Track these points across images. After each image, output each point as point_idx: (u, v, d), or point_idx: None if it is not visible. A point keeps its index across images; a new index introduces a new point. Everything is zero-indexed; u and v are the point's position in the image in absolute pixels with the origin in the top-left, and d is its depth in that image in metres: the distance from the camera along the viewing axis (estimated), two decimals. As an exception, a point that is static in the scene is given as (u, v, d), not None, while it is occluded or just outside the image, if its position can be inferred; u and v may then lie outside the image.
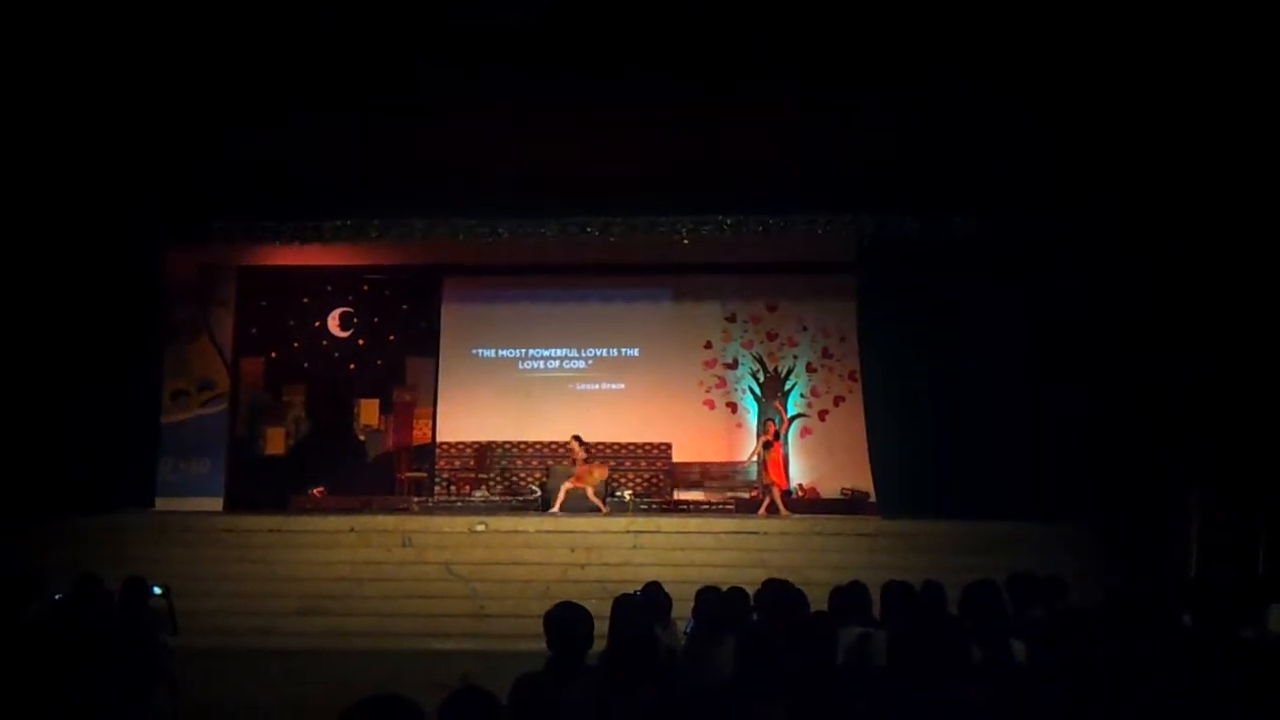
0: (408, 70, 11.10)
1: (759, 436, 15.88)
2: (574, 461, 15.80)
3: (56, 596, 7.37)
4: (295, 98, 11.80)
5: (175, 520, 13.89)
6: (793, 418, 17.39)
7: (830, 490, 16.63)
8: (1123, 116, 11.76)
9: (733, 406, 17.56)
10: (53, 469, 13.76)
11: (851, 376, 16.40)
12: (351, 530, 13.31)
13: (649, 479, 17.18)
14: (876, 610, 6.00)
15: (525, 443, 17.50)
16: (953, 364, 13.66)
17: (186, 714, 7.52)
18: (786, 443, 17.08)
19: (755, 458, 15.96)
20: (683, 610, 6.04)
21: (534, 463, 17.37)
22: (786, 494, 15.34)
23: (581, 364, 17.96)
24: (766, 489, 15.10)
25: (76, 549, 12.02)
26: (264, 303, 17.77)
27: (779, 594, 5.31)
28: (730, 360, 17.63)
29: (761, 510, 14.92)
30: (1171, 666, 4.04)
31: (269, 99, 11.77)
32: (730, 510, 15.96)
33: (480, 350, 17.93)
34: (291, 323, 17.86)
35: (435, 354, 17.88)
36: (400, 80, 11.33)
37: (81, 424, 14.05)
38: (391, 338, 17.96)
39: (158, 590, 7.64)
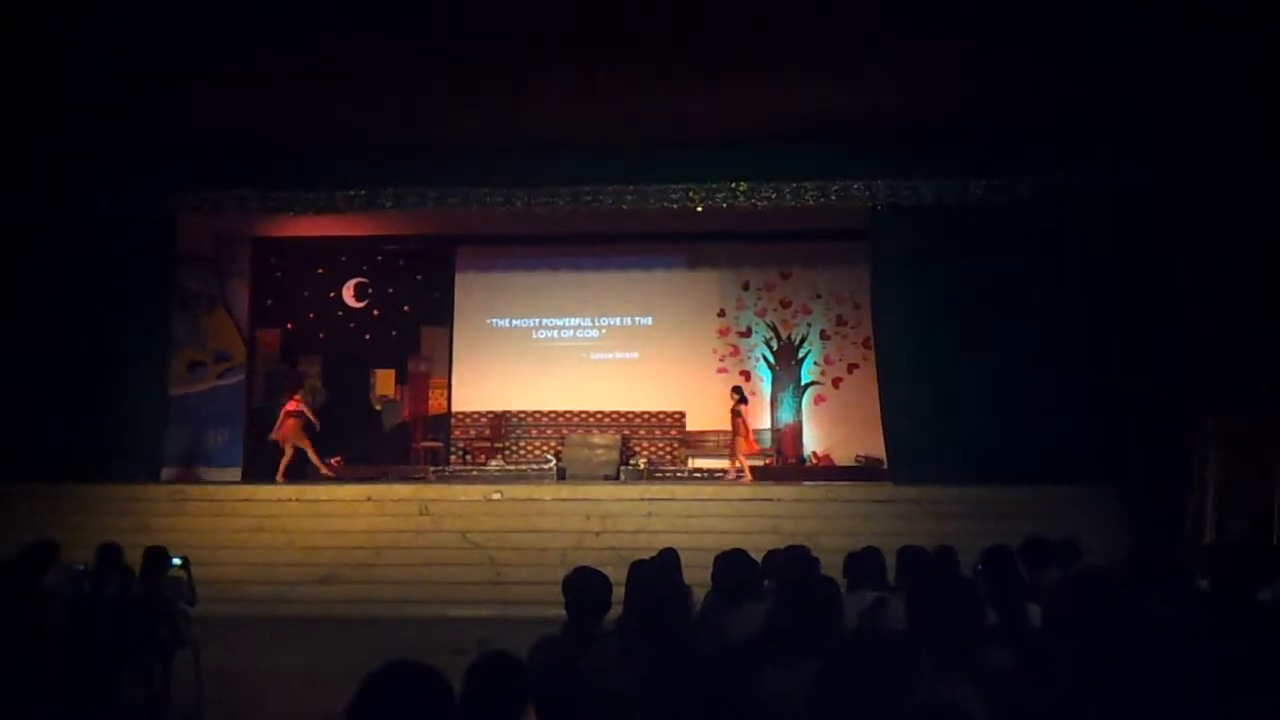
0: (417, 38, 11.04)
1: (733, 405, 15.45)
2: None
3: (79, 566, 7.47)
4: (307, 67, 11.76)
5: (194, 490, 13.99)
6: (806, 385, 17.39)
7: (844, 457, 16.65)
8: (1137, 78, 11.66)
9: (746, 375, 17.54)
10: (64, 438, 13.89)
11: (865, 344, 16.34)
12: (369, 499, 13.39)
13: (663, 447, 17.22)
14: (891, 576, 6.02)
15: (540, 412, 17.57)
16: (966, 330, 13.60)
17: (207, 680, 7.62)
18: (800, 410, 17.12)
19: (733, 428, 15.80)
20: (697, 576, 6.05)
21: (549, 432, 17.44)
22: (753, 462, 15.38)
23: (595, 333, 17.97)
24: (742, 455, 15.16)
25: (96, 518, 12.15)
26: (279, 274, 17.82)
27: (791, 559, 5.33)
28: (744, 328, 17.61)
29: (732, 474, 15.05)
30: (1188, 628, 4.04)
31: (281, 68, 11.74)
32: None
33: (494, 320, 17.96)
34: (306, 294, 17.92)
35: (450, 324, 17.93)
36: (410, 49, 11.27)
37: (92, 393, 14.14)
38: (406, 308, 18.00)
39: (177, 560, 7.71)
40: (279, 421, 15.45)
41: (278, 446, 15.39)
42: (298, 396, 15.78)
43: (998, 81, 11.91)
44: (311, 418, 15.63)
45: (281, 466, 15.11)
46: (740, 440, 15.07)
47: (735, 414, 15.13)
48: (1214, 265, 12.02)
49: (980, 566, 5.90)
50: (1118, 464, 12.58)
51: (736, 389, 15.35)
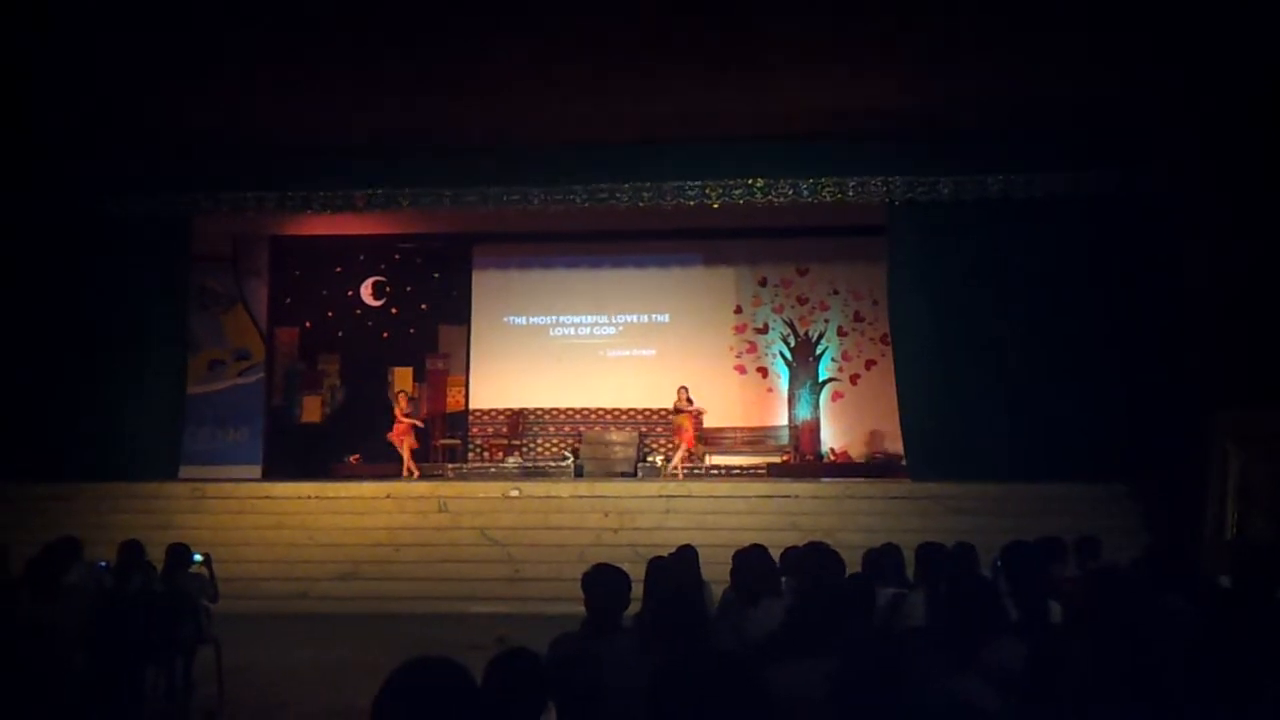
0: (432, 37, 11.07)
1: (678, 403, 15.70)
2: None
3: (101, 564, 7.54)
4: (324, 68, 11.82)
5: (214, 488, 14.07)
6: (824, 382, 17.37)
7: (862, 454, 16.66)
8: (1155, 76, 11.60)
9: (764, 371, 17.56)
10: (85, 437, 14.02)
11: (883, 340, 16.31)
12: (388, 496, 13.45)
13: (681, 444, 17.24)
14: (909, 572, 6.03)
15: (557, 409, 17.61)
16: (984, 326, 13.57)
17: (228, 676, 7.68)
18: (818, 406, 17.12)
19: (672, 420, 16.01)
20: (714, 573, 6.07)
21: (566, 429, 17.49)
22: (690, 456, 15.65)
23: (612, 330, 17.99)
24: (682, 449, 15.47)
25: (117, 516, 12.26)
26: (297, 272, 17.93)
27: (816, 556, 5.33)
28: (761, 325, 17.61)
29: (678, 473, 15.29)
30: (1207, 626, 4.03)
31: (298, 69, 11.80)
32: (762, 474, 16.00)
33: (511, 317, 18.01)
34: (325, 292, 18.03)
35: (467, 321, 18.00)
36: (425, 48, 11.31)
37: (112, 393, 14.27)
38: (424, 306, 18.08)
39: (198, 557, 7.77)
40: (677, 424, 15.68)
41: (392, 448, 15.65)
42: (403, 395, 16.04)
43: (1016, 78, 11.87)
44: (417, 421, 15.97)
45: (406, 465, 15.36)
46: (684, 438, 15.34)
47: (677, 411, 15.43)
48: (1233, 261, 11.94)
49: (999, 563, 5.90)
50: (1137, 461, 12.51)
51: (683, 388, 15.56)
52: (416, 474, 15.34)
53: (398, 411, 15.63)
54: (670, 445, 16.94)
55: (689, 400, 15.51)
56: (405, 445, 15.42)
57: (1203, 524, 11.14)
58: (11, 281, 14.23)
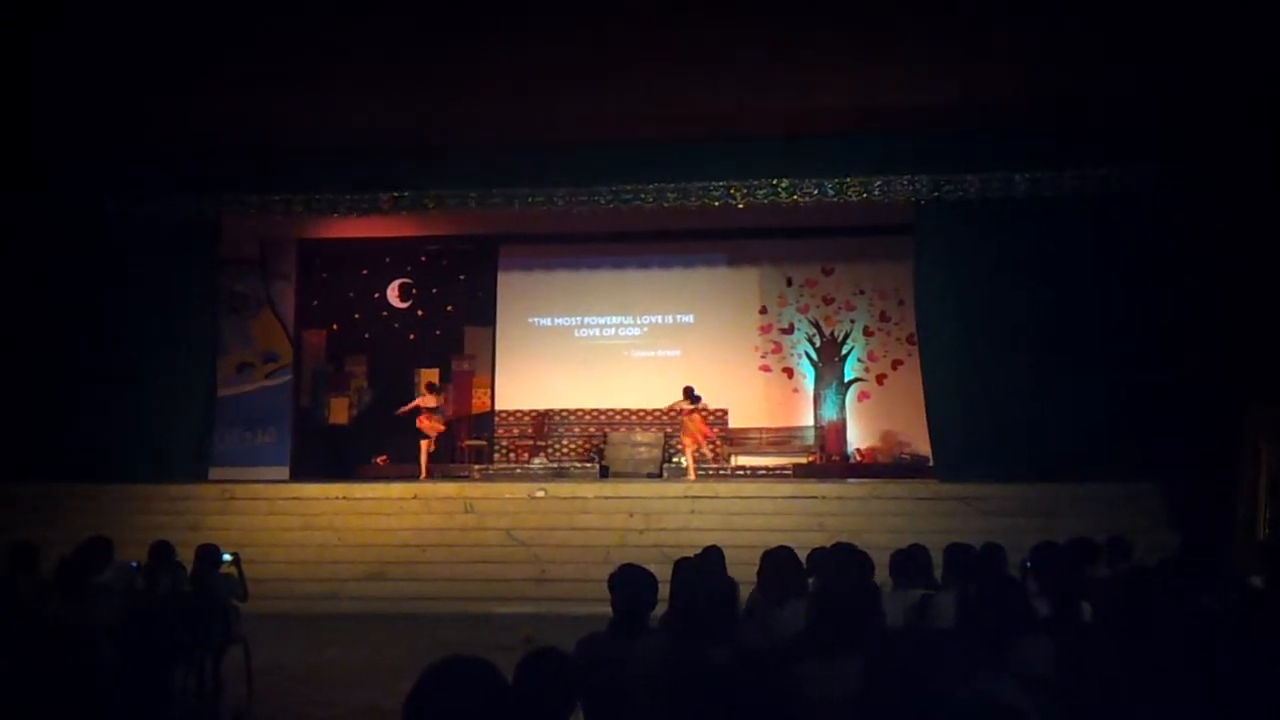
0: (457, 40, 11.11)
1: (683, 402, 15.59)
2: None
3: (132, 564, 7.60)
4: (350, 71, 11.88)
5: (243, 489, 14.17)
6: (850, 382, 17.30)
7: (889, 454, 16.58)
8: (1183, 72, 11.49)
9: (789, 371, 17.51)
10: (116, 439, 14.14)
11: (909, 340, 16.24)
12: (414, 497, 13.51)
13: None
14: (938, 573, 5.99)
15: (582, 410, 17.64)
16: (1011, 325, 13.46)
17: (257, 676, 7.73)
18: (844, 407, 17.05)
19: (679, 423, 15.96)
20: (740, 574, 6.05)
21: (591, 430, 17.51)
22: (699, 457, 15.59)
23: (637, 331, 18.00)
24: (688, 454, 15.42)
25: (148, 517, 12.37)
26: (324, 275, 18.06)
27: (843, 557, 5.32)
28: (786, 325, 17.56)
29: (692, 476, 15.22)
30: (1239, 626, 3.99)
31: (325, 72, 11.87)
32: (788, 475, 15.96)
33: (537, 319, 18.05)
34: (351, 295, 18.15)
35: (493, 323, 18.05)
36: (450, 50, 11.35)
37: (142, 395, 14.39)
38: (449, 307, 18.16)
39: (227, 557, 7.82)
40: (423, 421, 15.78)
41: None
42: (428, 394, 16.14)
43: (1043, 75, 11.79)
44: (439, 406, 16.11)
45: (423, 461, 15.53)
46: (688, 438, 15.29)
47: (680, 412, 15.47)
48: (1265, 256, 11.81)
49: (1028, 564, 5.87)
50: (1166, 460, 12.37)
51: (687, 389, 15.44)
52: (425, 474, 15.38)
53: (419, 402, 15.75)
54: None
55: (693, 399, 15.37)
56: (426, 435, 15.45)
57: (1233, 523, 11.03)
58: (39, 283, 14.39)
